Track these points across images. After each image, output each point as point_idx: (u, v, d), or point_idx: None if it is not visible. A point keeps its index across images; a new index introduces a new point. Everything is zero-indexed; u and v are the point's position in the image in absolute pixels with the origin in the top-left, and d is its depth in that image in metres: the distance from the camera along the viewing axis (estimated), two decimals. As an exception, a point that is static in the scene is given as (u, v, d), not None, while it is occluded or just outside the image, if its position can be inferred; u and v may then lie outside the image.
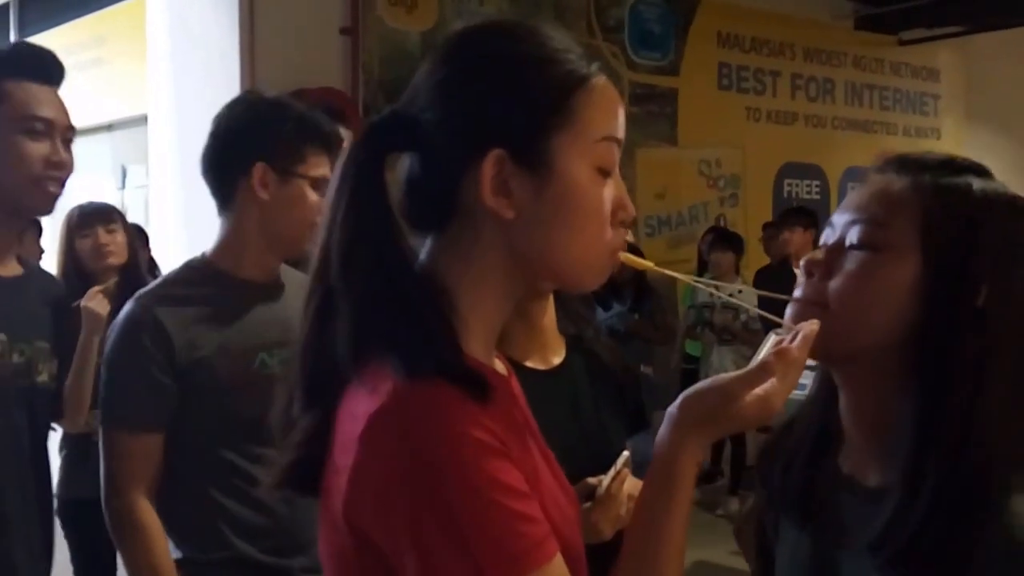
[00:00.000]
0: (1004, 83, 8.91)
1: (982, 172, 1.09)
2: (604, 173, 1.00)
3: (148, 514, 1.86)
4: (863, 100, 8.89)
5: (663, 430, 1.02)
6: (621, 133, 1.02)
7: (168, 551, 1.87)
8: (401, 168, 1.02)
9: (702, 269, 6.53)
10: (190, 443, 1.90)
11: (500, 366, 1.10)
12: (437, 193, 0.99)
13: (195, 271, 1.99)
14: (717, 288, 6.22)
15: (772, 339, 1.11)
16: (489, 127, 0.97)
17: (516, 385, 1.14)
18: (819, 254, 1.09)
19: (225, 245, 1.98)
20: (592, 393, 1.85)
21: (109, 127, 7.28)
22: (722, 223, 7.58)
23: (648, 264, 1.14)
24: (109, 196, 7.32)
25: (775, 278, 5.71)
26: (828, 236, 1.12)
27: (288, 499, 1.91)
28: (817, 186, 8.58)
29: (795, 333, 1.04)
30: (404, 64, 5.67)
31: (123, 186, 7.27)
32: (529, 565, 0.88)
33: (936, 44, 9.06)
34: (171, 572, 1.86)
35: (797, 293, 1.09)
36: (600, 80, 1.01)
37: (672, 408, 1.02)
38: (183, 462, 1.91)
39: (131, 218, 4.00)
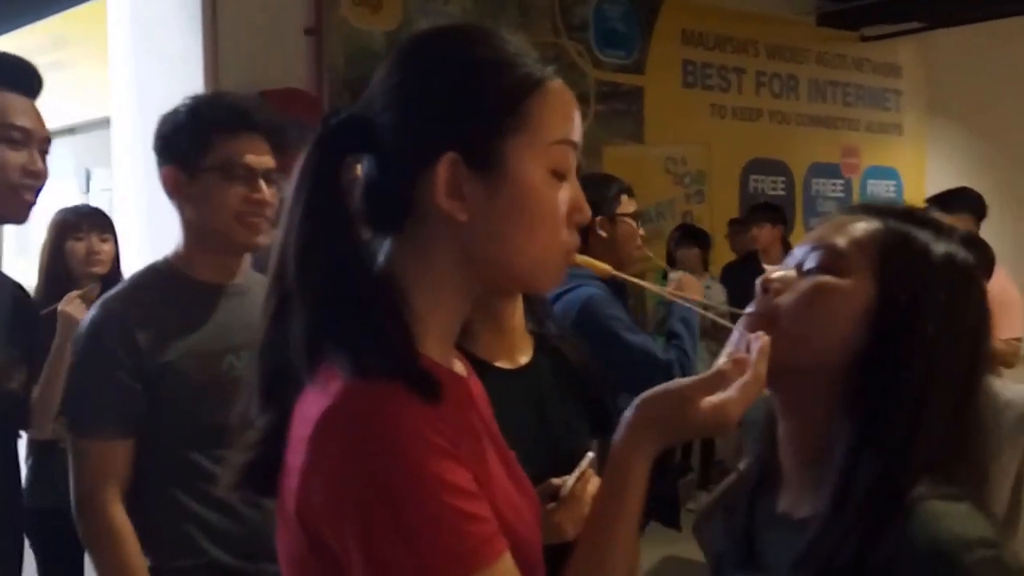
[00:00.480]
0: (965, 78, 8.99)
1: (941, 229, 1.11)
2: (559, 176, 1.01)
3: (120, 520, 1.85)
4: (826, 96, 8.96)
5: (618, 432, 1.03)
6: (577, 136, 1.03)
7: (142, 558, 1.86)
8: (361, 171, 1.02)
9: (670, 265, 6.56)
10: (160, 448, 1.89)
11: (460, 367, 1.11)
12: (393, 196, 1.00)
13: (158, 274, 1.98)
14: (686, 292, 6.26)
15: (735, 337, 1.13)
16: (442, 130, 0.98)
17: (477, 387, 1.14)
18: (777, 275, 1.10)
19: (181, 248, 1.99)
20: (558, 393, 1.85)
21: (71, 130, 7.20)
22: (689, 220, 7.61)
23: (606, 268, 1.15)
24: (72, 200, 7.25)
25: (742, 273, 5.74)
26: (788, 263, 1.13)
27: (258, 504, 1.91)
28: (782, 182, 8.64)
29: (748, 344, 1.05)
30: (369, 64, 5.64)
31: (87, 190, 7.20)
32: (475, 563, 0.89)
33: (897, 40, 9.14)
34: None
35: (750, 308, 1.11)
36: (555, 84, 1.02)
37: (628, 410, 1.03)
38: (153, 467, 1.89)
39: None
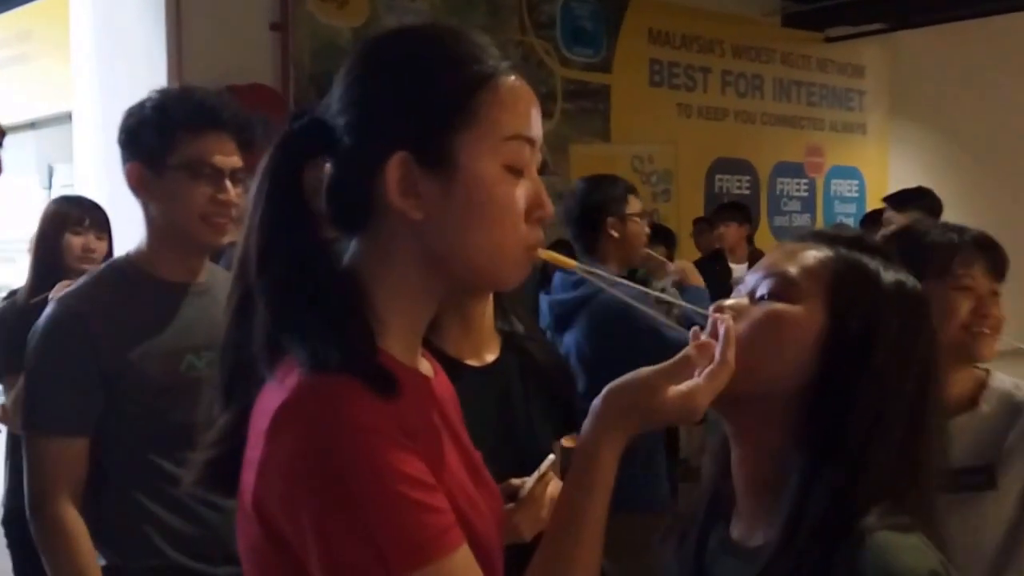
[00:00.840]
0: (928, 79, 9.10)
1: (890, 258, 1.11)
2: (515, 172, 1.00)
3: (74, 521, 1.82)
4: (791, 96, 9.02)
5: (587, 422, 1.03)
6: (533, 132, 1.03)
7: (95, 559, 1.83)
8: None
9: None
10: (117, 447, 1.87)
11: (426, 367, 1.11)
12: (352, 196, 1.01)
13: (119, 271, 1.95)
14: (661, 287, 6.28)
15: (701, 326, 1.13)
16: (391, 130, 0.99)
17: (445, 386, 1.15)
18: (730, 302, 1.10)
19: (143, 245, 1.96)
20: (523, 392, 1.85)
21: (33, 125, 7.12)
22: (656, 218, 7.63)
23: (572, 263, 1.15)
24: (34, 196, 7.16)
25: (708, 272, 5.76)
26: (741, 290, 1.13)
27: (218, 506, 1.89)
28: (747, 181, 8.69)
29: (715, 329, 1.05)
30: (335, 60, 5.60)
31: (49, 185, 7.12)
32: (432, 554, 0.89)
33: (861, 41, 9.22)
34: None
35: (704, 335, 1.09)
36: (507, 79, 1.02)
37: (596, 401, 1.03)
38: (111, 467, 1.87)
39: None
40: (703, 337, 1.06)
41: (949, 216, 5.70)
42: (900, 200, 4.61)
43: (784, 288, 1.07)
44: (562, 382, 1.97)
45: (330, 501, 0.89)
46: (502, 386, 1.83)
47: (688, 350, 1.03)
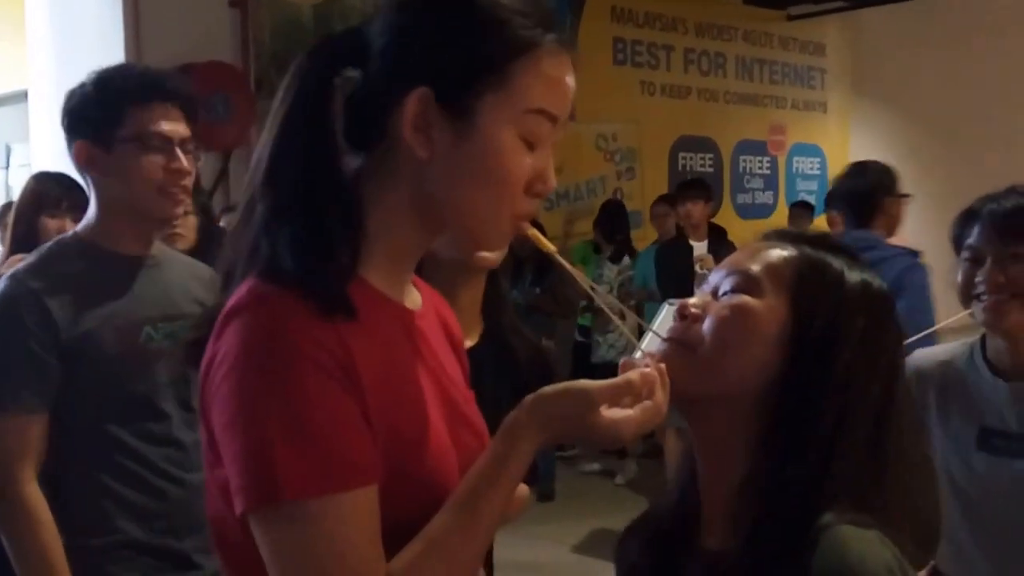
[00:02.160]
0: (889, 57, 9.18)
1: (855, 257, 1.11)
2: (528, 143, 1.01)
3: (36, 499, 1.80)
4: (753, 74, 9.07)
5: (514, 413, 1.00)
6: (560, 110, 1.03)
7: (57, 537, 1.81)
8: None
9: (598, 244, 6.62)
10: (76, 422, 1.85)
11: (415, 299, 1.11)
12: (370, 115, 1.01)
13: (69, 247, 1.93)
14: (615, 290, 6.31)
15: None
16: (424, 65, 0.99)
17: (435, 321, 1.15)
18: (694, 300, 1.10)
19: (94, 221, 1.94)
20: (494, 382, 1.85)
21: (-12, 104, 7.01)
22: (619, 196, 7.66)
23: (552, 248, 1.14)
24: (-11, 175, 7.06)
25: (674, 253, 5.79)
26: (704, 288, 1.13)
27: (180, 480, 1.89)
28: (711, 159, 8.74)
29: (657, 363, 1.03)
30: (296, 37, 5.57)
31: (7, 165, 7.01)
32: (323, 486, 0.90)
33: (823, 19, 9.28)
34: (61, 559, 1.80)
35: (667, 334, 1.09)
36: (550, 53, 1.02)
37: (530, 397, 1.01)
38: (69, 443, 1.85)
39: (16, 198, 3.80)
40: (642, 364, 1.04)
41: (909, 190, 5.76)
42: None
43: (747, 284, 1.07)
44: (538, 379, 1.97)
45: (244, 411, 0.91)
46: (474, 370, 1.83)
47: (633, 376, 1.01)
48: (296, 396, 0.90)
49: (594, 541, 5.01)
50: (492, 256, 1.79)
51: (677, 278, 5.56)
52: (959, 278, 1.88)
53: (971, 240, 1.86)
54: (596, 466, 6.50)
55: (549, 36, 1.02)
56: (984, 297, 1.81)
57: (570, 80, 1.04)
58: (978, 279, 1.83)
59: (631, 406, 1.00)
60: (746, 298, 1.06)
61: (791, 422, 1.03)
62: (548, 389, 1.01)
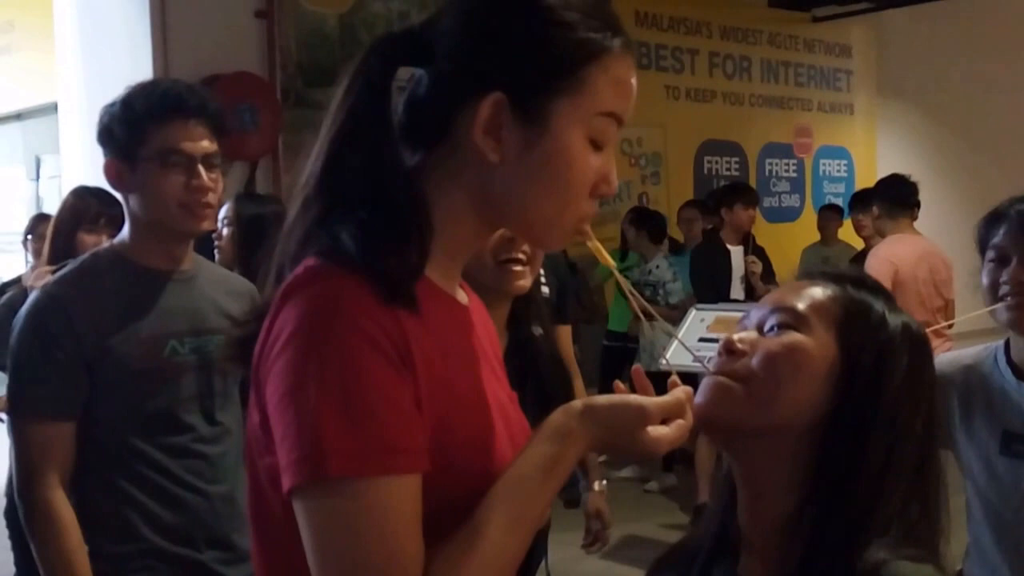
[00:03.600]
0: (914, 58, 9.11)
1: (890, 297, 1.13)
2: (596, 146, 1.02)
3: (62, 505, 1.84)
4: (778, 77, 9.03)
5: (562, 417, 1.00)
6: (626, 112, 1.04)
7: (82, 544, 1.85)
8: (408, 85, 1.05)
9: (625, 248, 6.60)
10: (100, 433, 1.88)
11: (462, 296, 1.12)
12: (434, 115, 1.02)
13: (100, 259, 1.98)
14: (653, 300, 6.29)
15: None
16: (498, 70, 1.00)
17: (481, 318, 1.17)
18: (741, 336, 1.10)
19: (126, 236, 1.98)
20: (520, 391, 1.87)
21: (19, 116, 7.09)
22: (645, 201, 7.64)
23: (612, 264, 1.15)
24: (22, 187, 7.14)
25: (710, 257, 5.74)
26: (746, 325, 1.13)
27: (202, 491, 1.91)
28: (736, 163, 8.70)
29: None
30: (322, 47, 5.60)
31: (37, 177, 7.09)
32: (368, 468, 0.90)
33: (848, 20, 9.22)
34: (85, 564, 1.83)
35: (714, 368, 1.09)
36: (620, 57, 1.03)
37: (580, 404, 1.01)
38: (93, 452, 1.88)
39: (46, 209, 3.83)
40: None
41: (935, 193, 5.73)
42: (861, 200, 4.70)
43: (796, 321, 1.07)
44: (560, 391, 1.98)
45: (297, 385, 0.91)
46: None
47: (681, 395, 1.02)
48: (351, 373, 0.90)
49: (622, 547, 4.99)
50: (525, 283, 1.82)
51: (714, 282, 5.53)
52: (984, 279, 1.88)
53: (996, 240, 1.86)
54: (627, 472, 6.48)
55: (618, 39, 1.03)
56: (1009, 298, 1.81)
57: (634, 82, 1.05)
58: (1003, 279, 1.82)
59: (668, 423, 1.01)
60: (798, 335, 1.06)
61: (840, 457, 1.03)
62: (602, 399, 1.01)
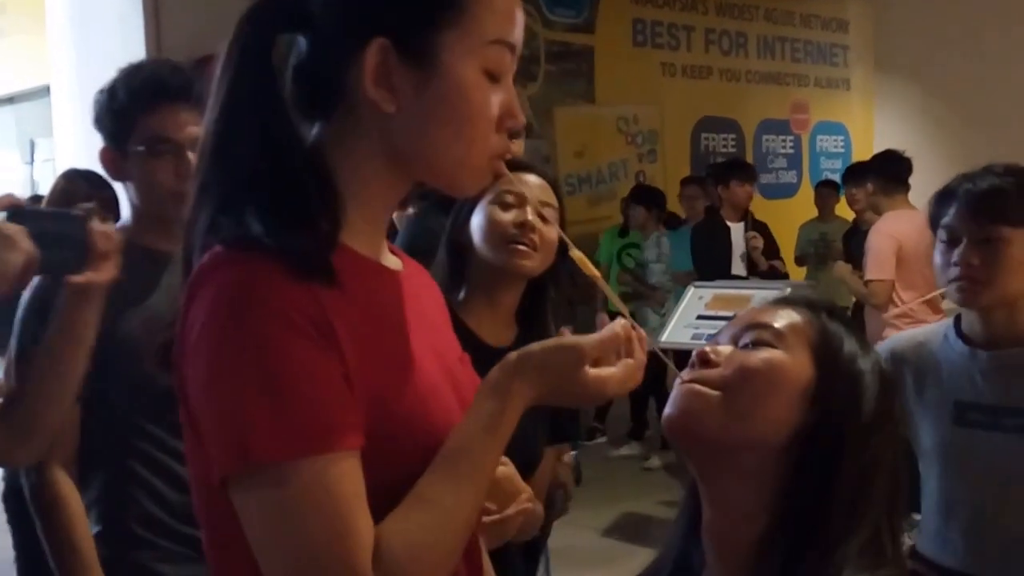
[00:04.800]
0: (912, 32, 9.07)
1: (862, 333, 1.11)
2: (493, 77, 0.99)
3: (66, 486, 1.84)
4: (775, 53, 8.99)
5: (498, 372, 0.99)
6: (516, 38, 1.01)
7: (87, 526, 1.85)
8: (292, 53, 1.01)
9: (626, 226, 6.60)
10: (106, 412, 1.88)
11: (393, 261, 1.09)
12: (323, 79, 0.99)
13: None
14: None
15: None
16: (376, 15, 0.96)
17: (420, 280, 1.14)
18: (715, 348, 1.08)
19: (129, 219, 1.98)
20: None
21: (12, 99, 7.06)
22: (641, 179, 7.63)
23: (596, 273, 1.13)
24: (16, 170, 7.11)
25: (711, 234, 5.74)
26: (719, 340, 1.11)
27: None
28: (733, 139, 8.69)
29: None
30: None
31: (31, 160, 7.07)
32: (296, 450, 0.87)
33: (845, -5, 9.19)
34: (90, 547, 1.84)
35: (687, 375, 1.06)
36: None
37: (514, 355, 0.99)
38: (100, 431, 1.89)
39: (41, 193, 3.82)
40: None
41: (932, 168, 5.71)
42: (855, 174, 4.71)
43: (774, 339, 1.06)
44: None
45: (216, 375, 0.89)
46: None
47: (616, 327, 1.01)
48: (268, 356, 0.88)
49: (623, 525, 5.01)
50: (531, 264, 1.83)
51: (714, 259, 5.53)
52: (936, 259, 1.88)
53: (947, 220, 1.85)
54: (626, 450, 6.49)
55: None
56: (959, 281, 1.81)
57: (520, 10, 1.02)
58: (953, 260, 1.82)
59: (614, 364, 1.00)
60: (777, 351, 1.05)
61: (812, 481, 1.01)
62: (536, 345, 1.00)
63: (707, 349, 1.07)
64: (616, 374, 1.00)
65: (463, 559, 1.03)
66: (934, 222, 1.90)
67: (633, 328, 1.04)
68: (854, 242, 5.46)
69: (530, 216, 1.84)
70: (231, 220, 0.94)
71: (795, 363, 1.04)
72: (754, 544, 1.02)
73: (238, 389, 0.88)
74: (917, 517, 4.92)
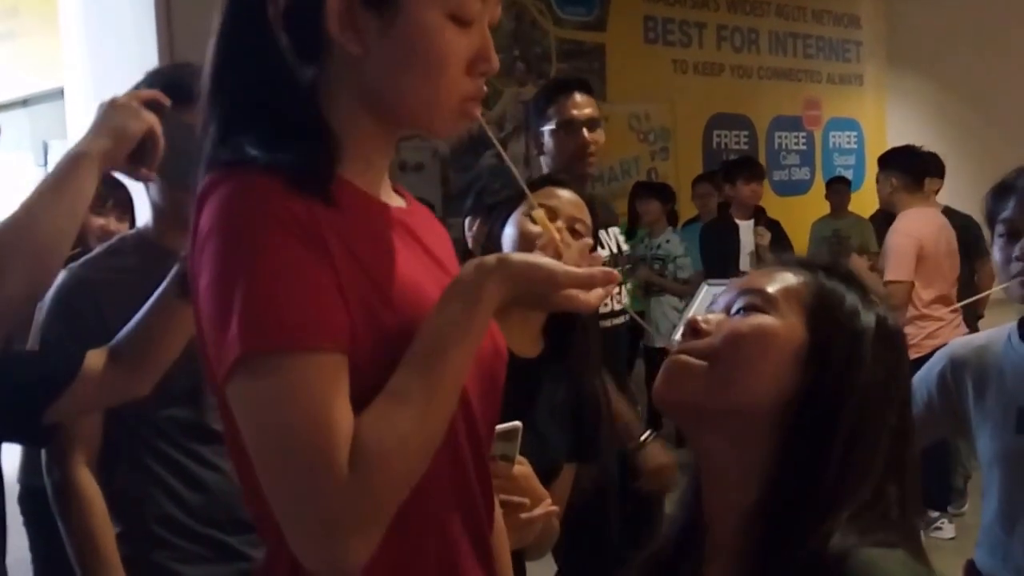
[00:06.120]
0: (924, 28, 9.04)
1: (868, 291, 1.09)
2: (461, 22, 1.01)
3: (89, 484, 1.86)
4: (787, 49, 8.97)
5: (474, 273, 1.01)
6: None
7: (108, 522, 1.87)
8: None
9: (634, 222, 6.58)
10: (126, 412, 1.89)
11: (397, 200, 1.14)
12: (303, 24, 1.01)
13: (125, 243, 2.01)
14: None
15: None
16: None
17: (426, 223, 1.18)
18: (706, 316, 1.08)
19: (149, 219, 2.00)
20: (551, 396, 1.87)
21: (25, 102, 7.09)
22: (654, 177, 7.62)
23: (553, 231, 1.14)
24: (30, 173, 7.14)
25: (720, 232, 5.74)
26: (715, 307, 1.11)
27: (218, 468, 1.91)
28: (745, 136, 8.66)
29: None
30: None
31: (45, 163, 7.10)
32: (282, 342, 0.91)
33: (857, -10, 9.16)
34: (112, 548, 1.85)
35: (677, 347, 1.07)
36: None
37: (493, 260, 1.01)
38: (120, 432, 1.90)
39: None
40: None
41: (946, 164, 5.67)
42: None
43: (764, 303, 1.05)
44: (593, 413, 1.98)
45: (218, 276, 0.94)
46: (532, 382, 1.86)
47: (597, 273, 1.03)
48: (260, 256, 0.92)
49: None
50: None
51: (723, 258, 5.53)
52: (996, 255, 1.83)
53: (1006, 214, 1.80)
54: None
55: None
56: (1022, 273, 1.76)
57: None
58: (1015, 255, 1.77)
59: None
60: (766, 317, 1.04)
61: (805, 445, 1.00)
62: (517, 258, 1.02)
63: (698, 318, 1.07)
64: (589, 299, 1.03)
65: (477, 559, 1.06)
66: (991, 217, 1.85)
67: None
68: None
69: (560, 228, 1.85)
70: (231, 148, 0.99)
71: (786, 328, 1.03)
72: (748, 511, 1.02)
73: (231, 287, 0.92)
74: (934, 514, 4.90)
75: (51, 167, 1.67)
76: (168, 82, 1.90)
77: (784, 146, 9.03)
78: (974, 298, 3.84)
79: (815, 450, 1.00)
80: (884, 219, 5.48)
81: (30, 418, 1.65)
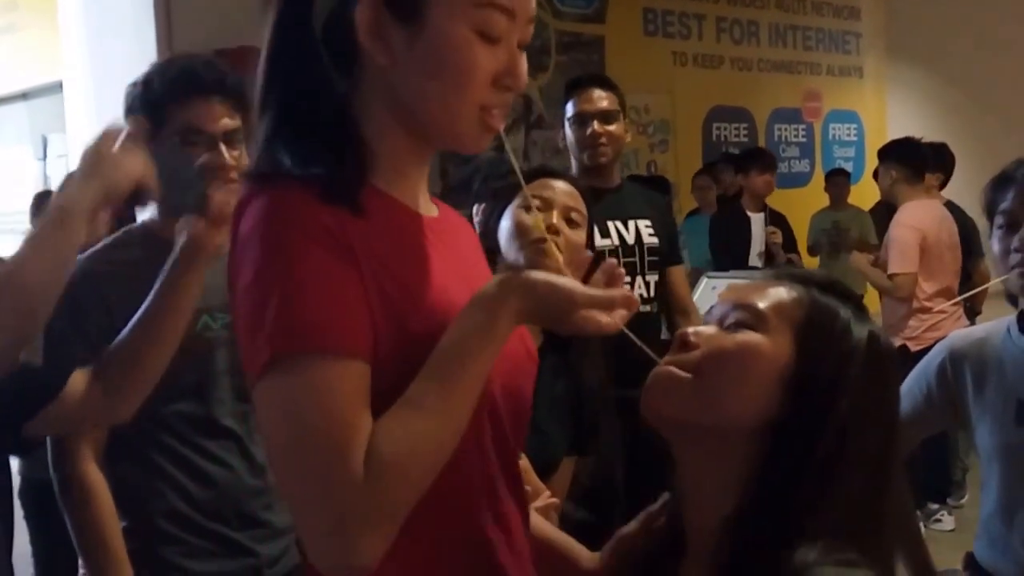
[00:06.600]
0: (924, 20, 9.01)
1: (861, 306, 1.10)
2: (488, 38, 1.03)
3: (96, 478, 1.86)
4: (787, 41, 8.95)
5: (497, 290, 1.02)
6: (511, 3, 1.04)
7: (115, 516, 1.87)
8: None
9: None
10: None
11: (431, 208, 1.16)
12: (338, 35, 1.04)
13: (132, 235, 1.99)
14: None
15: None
16: None
17: (457, 231, 1.21)
18: (696, 330, 1.08)
19: (156, 213, 1.98)
20: (549, 390, 1.87)
21: (24, 96, 7.08)
22: (653, 170, 7.61)
23: (542, 228, 1.16)
24: (29, 167, 7.14)
25: (731, 224, 5.72)
26: (708, 319, 1.11)
27: (227, 464, 1.91)
28: (745, 129, 8.65)
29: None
30: (326, 20, 5.56)
31: (44, 156, 7.09)
32: (306, 345, 0.94)
33: (856, -18, 9.13)
34: (119, 542, 1.85)
35: (665, 358, 1.07)
36: None
37: (511, 278, 1.02)
38: (127, 425, 1.89)
39: (53, 188, 3.84)
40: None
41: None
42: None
43: (754, 320, 1.05)
44: (591, 398, 1.98)
45: (247, 282, 0.98)
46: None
47: (617, 295, 1.04)
48: (290, 263, 0.96)
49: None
50: (554, 266, 1.83)
51: (733, 249, 5.51)
52: (995, 246, 1.83)
53: (1005, 205, 1.80)
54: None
55: None
56: (1021, 264, 1.75)
57: None
58: (1014, 246, 1.76)
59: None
60: (752, 334, 1.04)
61: (783, 463, 1.01)
62: (538, 278, 1.02)
63: (688, 331, 1.08)
64: (608, 323, 1.03)
65: (512, 554, 1.09)
66: (990, 209, 1.84)
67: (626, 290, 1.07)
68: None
69: (555, 219, 1.84)
70: (269, 156, 1.04)
71: (773, 346, 1.03)
72: (721, 523, 1.03)
73: (264, 293, 0.95)
74: (934, 506, 4.91)
75: (50, 162, 1.66)
76: (178, 75, 1.89)
77: (784, 138, 9.02)
78: (974, 291, 3.84)
79: (790, 473, 1.00)
80: (885, 211, 5.48)
81: (8, 431, 1.66)
